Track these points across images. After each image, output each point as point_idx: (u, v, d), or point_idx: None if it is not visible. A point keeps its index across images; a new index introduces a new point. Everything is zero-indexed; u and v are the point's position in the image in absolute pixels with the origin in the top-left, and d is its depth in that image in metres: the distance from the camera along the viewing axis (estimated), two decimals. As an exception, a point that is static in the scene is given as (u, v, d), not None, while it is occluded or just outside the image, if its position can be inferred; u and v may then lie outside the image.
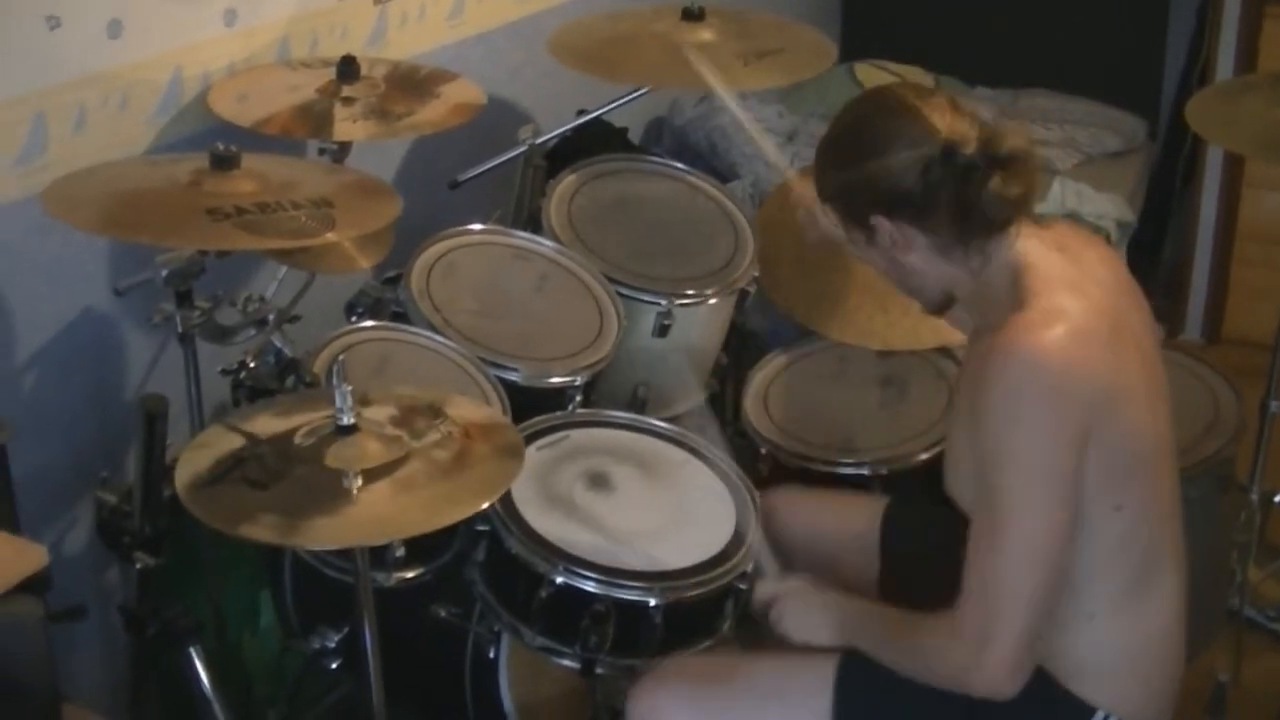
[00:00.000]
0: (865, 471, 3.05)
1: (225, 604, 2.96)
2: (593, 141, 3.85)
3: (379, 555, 2.61)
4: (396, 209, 2.65)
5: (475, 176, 3.44)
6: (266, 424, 2.39)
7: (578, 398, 3.00)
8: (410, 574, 2.71)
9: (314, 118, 2.97)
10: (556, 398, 2.98)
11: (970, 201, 2.16)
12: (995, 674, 2.16)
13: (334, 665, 2.77)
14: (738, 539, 2.68)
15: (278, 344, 2.90)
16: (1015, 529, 2.13)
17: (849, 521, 2.76)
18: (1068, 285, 2.19)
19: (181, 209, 2.48)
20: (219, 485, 2.25)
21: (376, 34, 3.50)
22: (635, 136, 4.42)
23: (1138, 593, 2.28)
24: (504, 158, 3.48)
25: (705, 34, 3.45)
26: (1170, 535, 2.32)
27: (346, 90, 3.05)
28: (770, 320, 3.65)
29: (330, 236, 2.54)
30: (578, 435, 2.87)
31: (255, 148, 2.69)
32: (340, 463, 2.25)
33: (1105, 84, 5.35)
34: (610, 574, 2.56)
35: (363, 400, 2.38)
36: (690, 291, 3.23)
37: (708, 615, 2.66)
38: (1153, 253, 5.22)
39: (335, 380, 2.29)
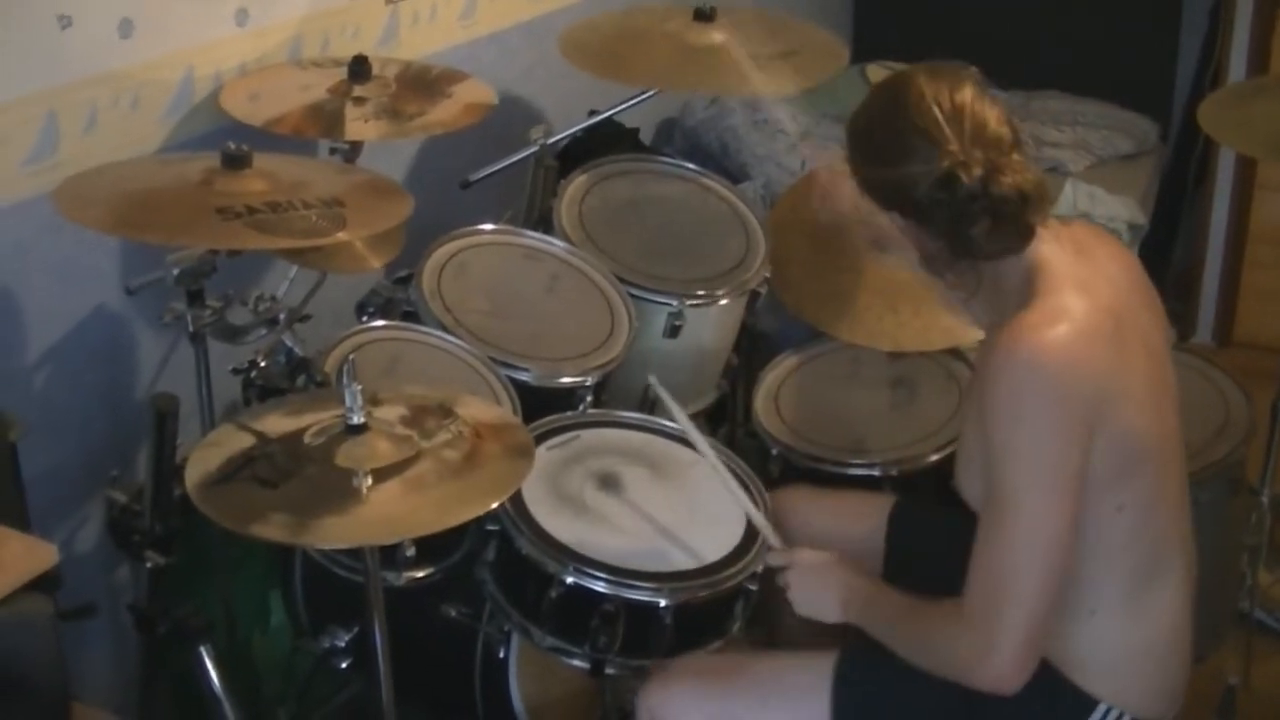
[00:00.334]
0: (876, 472, 3.05)
1: (235, 603, 2.97)
2: (604, 142, 3.85)
3: (389, 555, 2.62)
4: (407, 209, 2.65)
5: (486, 176, 3.44)
6: (277, 423, 2.39)
7: (588, 398, 3.00)
8: (420, 573, 2.71)
9: (325, 117, 2.97)
10: (567, 398, 2.98)
11: (962, 230, 2.17)
12: (999, 669, 2.16)
13: (344, 665, 2.77)
14: (748, 540, 2.67)
15: (288, 343, 2.90)
16: (1021, 524, 2.14)
17: (856, 520, 2.77)
18: (1077, 284, 2.20)
19: (193, 208, 2.48)
20: (229, 484, 2.25)
21: (388, 34, 3.50)
22: (646, 137, 4.42)
23: (1141, 591, 2.28)
24: (515, 158, 3.48)
25: (716, 35, 3.44)
26: (1177, 534, 2.32)
27: (358, 90, 3.05)
28: (781, 321, 3.65)
29: (341, 236, 2.54)
30: (588, 436, 2.87)
31: (266, 147, 2.69)
32: (350, 462, 2.25)
33: (1117, 86, 5.34)
34: (620, 574, 2.55)
35: (373, 400, 2.38)
36: (701, 292, 3.23)
37: (717, 616, 2.66)
38: (1164, 255, 5.22)
39: (346, 379, 2.29)
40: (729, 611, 2.67)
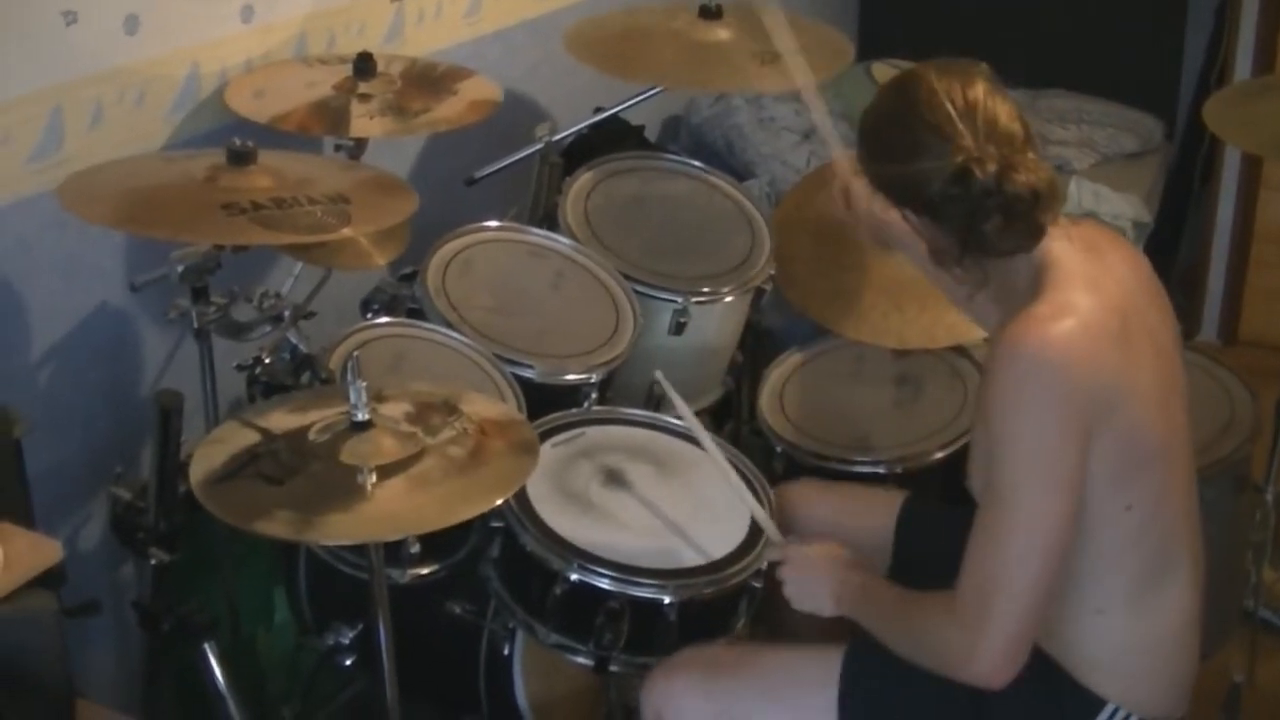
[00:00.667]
0: (880, 470, 3.05)
1: (240, 600, 2.97)
2: (609, 139, 3.85)
3: (393, 551, 2.62)
4: (412, 205, 2.65)
5: (491, 174, 3.44)
6: (281, 420, 2.39)
7: (593, 395, 3.00)
8: (425, 570, 2.72)
9: (330, 114, 2.97)
10: (572, 395, 2.98)
11: (974, 226, 2.17)
12: (987, 664, 2.16)
13: (348, 662, 2.76)
14: (753, 537, 2.67)
15: (293, 340, 2.90)
16: (1016, 520, 2.14)
17: (864, 515, 2.77)
18: (1086, 282, 2.19)
19: (197, 204, 2.48)
20: (234, 481, 2.25)
21: (393, 31, 3.50)
22: (652, 134, 4.42)
23: (1149, 590, 2.28)
24: (520, 155, 3.48)
25: (722, 32, 3.44)
26: (1185, 534, 2.31)
27: (363, 87, 3.05)
28: (786, 318, 3.65)
29: (346, 232, 2.54)
30: (593, 433, 2.87)
31: (271, 144, 2.69)
32: (355, 459, 2.25)
33: (1123, 84, 5.34)
34: (625, 571, 2.55)
35: (378, 396, 2.38)
36: (706, 289, 3.23)
37: (722, 613, 2.66)
38: (1169, 254, 5.21)
39: (350, 376, 2.29)
40: (734, 609, 2.67)
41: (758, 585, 2.66)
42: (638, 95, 3.74)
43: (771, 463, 3.12)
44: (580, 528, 2.62)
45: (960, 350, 3.28)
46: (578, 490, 2.72)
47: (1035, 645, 2.28)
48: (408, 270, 3.16)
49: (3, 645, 2.15)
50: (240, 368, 2.90)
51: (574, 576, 2.54)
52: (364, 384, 2.29)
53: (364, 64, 3.08)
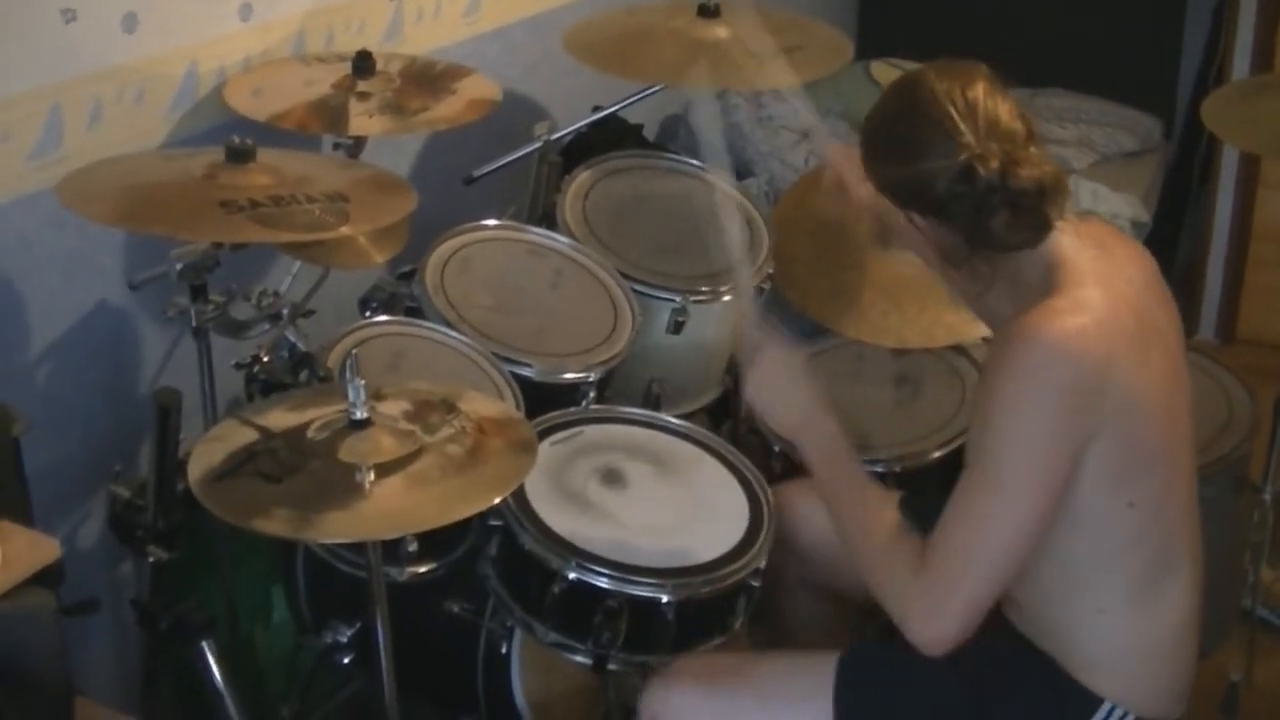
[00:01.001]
0: (880, 469, 3.04)
1: (238, 598, 2.96)
2: (608, 138, 3.85)
3: (392, 550, 2.62)
4: (411, 204, 2.65)
5: (490, 172, 3.44)
6: (280, 418, 2.39)
7: (591, 394, 3.00)
8: (423, 569, 2.71)
9: (329, 112, 2.97)
10: (570, 394, 2.98)
11: (981, 222, 2.18)
12: (937, 632, 2.18)
13: (346, 660, 2.76)
14: (751, 536, 2.67)
15: (291, 338, 2.89)
16: (1000, 502, 2.16)
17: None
18: (1098, 279, 2.21)
19: (196, 202, 2.48)
20: (232, 479, 2.25)
21: (392, 29, 3.50)
22: (650, 133, 4.42)
23: (1150, 589, 2.28)
24: (519, 154, 3.48)
25: (721, 31, 3.44)
26: (1186, 533, 2.32)
27: (362, 85, 3.05)
28: (785, 318, 3.64)
29: (345, 231, 2.53)
30: (592, 431, 2.87)
31: (270, 142, 2.69)
32: (353, 457, 2.25)
33: (1121, 83, 5.34)
34: (623, 570, 2.55)
35: (376, 395, 2.38)
36: (705, 288, 3.23)
37: (720, 612, 2.66)
38: (1167, 253, 5.20)
39: (349, 375, 2.29)
40: (732, 608, 2.67)
41: (755, 584, 2.66)
42: (637, 94, 3.74)
43: (770, 462, 3.11)
44: (578, 526, 2.62)
45: (959, 350, 3.28)
46: (576, 489, 2.72)
47: (1033, 644, 2.30)
48: (406, 269, 3.16)
49: (1, 643, 2.15)
50: (239, 366, 2.89)
51: (572, 575, 2.54)
52: (362, 382, 2.29)
53: (363, 62, 3.07)
